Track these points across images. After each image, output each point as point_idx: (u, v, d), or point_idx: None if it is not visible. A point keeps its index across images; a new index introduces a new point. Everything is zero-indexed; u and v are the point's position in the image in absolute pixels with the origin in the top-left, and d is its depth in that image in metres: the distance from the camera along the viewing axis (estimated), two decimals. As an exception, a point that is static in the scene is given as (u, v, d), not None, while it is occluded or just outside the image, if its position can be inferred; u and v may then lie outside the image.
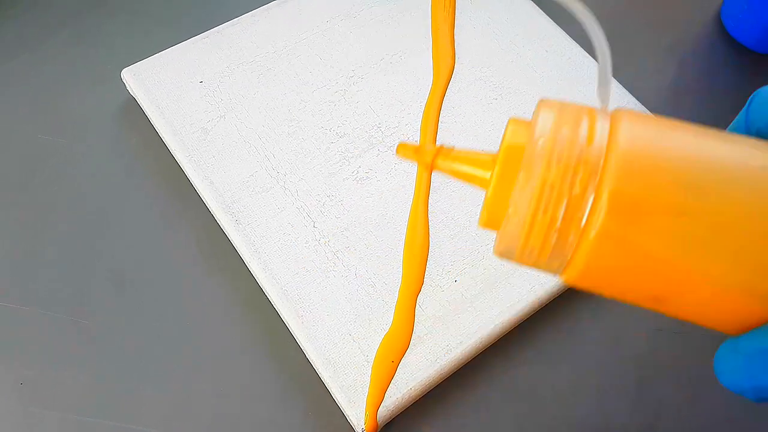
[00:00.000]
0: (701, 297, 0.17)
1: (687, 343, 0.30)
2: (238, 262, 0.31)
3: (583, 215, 0.16)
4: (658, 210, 0.16)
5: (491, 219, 0.18)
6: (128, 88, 0.35)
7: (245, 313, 0.30)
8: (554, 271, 0.18)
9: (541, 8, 0.38)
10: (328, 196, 0.32)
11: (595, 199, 0.16)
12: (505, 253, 0.18)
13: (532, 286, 0.30)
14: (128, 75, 0.35)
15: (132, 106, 0.36)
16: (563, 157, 0.17)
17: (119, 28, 0.39)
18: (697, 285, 0.16)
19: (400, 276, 0.30)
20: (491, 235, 0.31)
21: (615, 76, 0.36)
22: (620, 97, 0.35)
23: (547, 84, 0.35)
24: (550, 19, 0.37)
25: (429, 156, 0.20)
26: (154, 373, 0.29)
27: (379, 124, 0.34)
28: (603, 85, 0.18)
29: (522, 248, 0.18)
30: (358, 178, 0.32)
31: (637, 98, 0.35)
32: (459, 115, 0.34)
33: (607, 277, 0.17)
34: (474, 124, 0.34)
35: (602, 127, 0.17)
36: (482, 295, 0.29)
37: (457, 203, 0.32)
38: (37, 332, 0.30)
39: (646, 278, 0.17)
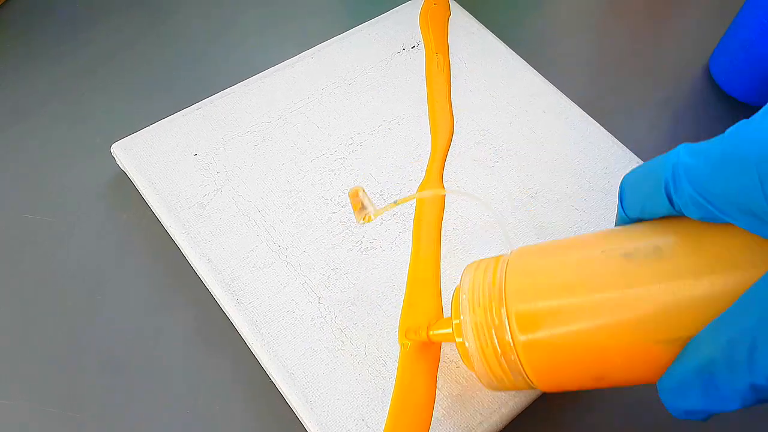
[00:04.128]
0: (620, 364, 0.21)
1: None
2: (240, 344, 0.29)
3: (507, 335, 0.21)
4: (547, 315, 0.21)
5: (468, 364, 0.24)
6: (118, 163, 0.34)
7: (249, 399, 0.29)
8: (529, 387, 0.23)
9: (536, 69, 0.38)
10: (333, 269, 0.30)
11: (508, 323, 0.21)
12: (490, 387, 0.23)
13: (550, 357, 0.28)
14: (118, 149, 0.34)
15: (122, 182, 0.34)
16: (480, 301, 0.22)
17: (107, 101, 0.38)
18: (611, 356, 0.20)
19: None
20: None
21: (612, 131, 0.36)
22: (618, 152, 0.34)
23: (547, 144, 0.35)
24: (546, 80, 0.37)
25: (424, 332, 0.26)
26: (152, 471, 0.27)
27: (381, 192, 0.33)
28: (507, 243, 0.29)
29: (493, 377, 0.23)
30: (362, 249, 0.31)
31: (635, 153, 0.35)
32: (461, 180, 0.33)
33: (556, 374, 0.22)
34: (477, 189, 0.33)
35: (501, 270, 0.23)
36: (500, 369, 0.28)
37: (466, 271, 0.30)
38: (26, 430, 0.27)
39: (577, 364, 0.21)
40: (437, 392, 0.27)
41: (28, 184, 0.35)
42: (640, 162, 0.34)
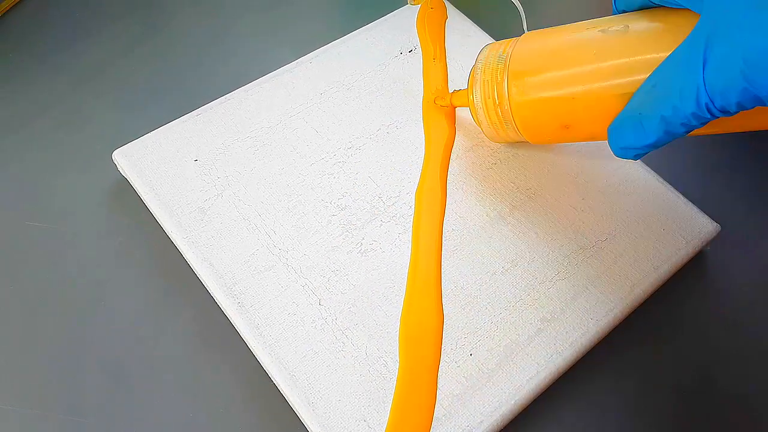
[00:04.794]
0: (586, 115, 0.27)
1: (708, 403, 0.29)
2: (242, 347, 0.30)
3: (505, 91, 0.29)
4: (536, 80, 0.28)
5: (476, 118, 0.32)
6: (120, 170, 0.34)
7: (251, 401, 0.29)
8: (516, 135, 0.31)
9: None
10: (333, 271, 0.31)
11: (508, 80, 0.29)
12: (490, 136, 0.33)
13: (550, 356, 0.29)
14: (120, 156, 0.34)
15: (123, 188, 0.35)
16: (491, 64, 0.30)
17: (108, 108, 0.38)
18: (579, 108, 0.27)
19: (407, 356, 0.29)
20: (504, 303, 0.30)
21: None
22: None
23: (543, 146, 0.35)
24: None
25: (448, 98, 0.35)
26: (156, 474, 0.27)
27: (380, 194, 0.33)
28: (524, 26, 0.35)
29: (490, 125, 0.31)
30: (362, 251, 0.31)
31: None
32: (460, 182, 0.34)
33: (536, 124, 0.29)
34: (475, 191, 0.33)
35: (511, 46, 0.30)
36: (500, 368, 0.28)
37: (467, 272, 0.31)
38: (29, 436, 0.28)
39: (551, 115, 0.28)
40: (438, 392, 0.27)
41: (30, 191, 0.35)
42: (635, 160, 0.35)
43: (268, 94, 0.36)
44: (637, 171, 0.34)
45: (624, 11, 0.28)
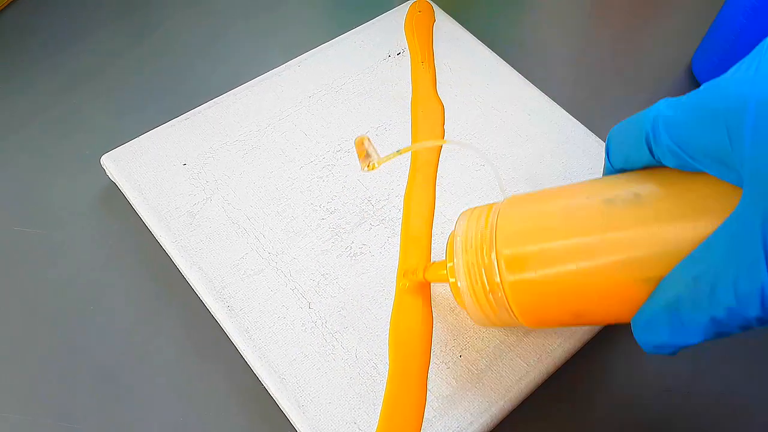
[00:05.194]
0: (598, 302, 0.22)
1: (696, 402, 0.30)
2: (232, 351, 0.30)
3: (496, 275, 0.23)
4: (533, 258, 0.23)
5: (459, 301, 0.26)
6: (108, 174, 0.34)
7: (242, 405, 0.29)
8: (514, 322, 0.25)
9: (521, 73, 0.38)
10: (323, 275, 0.31)
11: (497, 264, 0.23)
12: (479, 322, 0.26)
13: (539, 356, 0.29)
14: (108, 161, 0.34)
15: (112, 193, 0.35)
16: (473, 243, 0.24)
17: (96, 113, 0.38)
18: (590, 295, 0.22)
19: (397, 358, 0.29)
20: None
21: (597, 132, 0.36)
22: (602, 153, 0.35)
23: (532, 147, 0.35)
24: (530, 82, 0.38)
25: (420, 273, 0.29)
26: (146, 479, 0.27)
27: (369, 197, 0.33)
28: (501, 190, 0.29)
29: (482, 312, 0.25)
30: (351, 254, 0.31)
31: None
32: (448, 184, 0.34)
33: (539, 311, 0.24)
34: (464, 192, 0.33)
35: (493, 215, 0.24)
36: (489, 369, 0.28)
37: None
38: (18, 443, 0.28)
39: (558, 302, 0.23)
40: (428, 394, 0.27)
41: (19, 197, 0.35)
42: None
43: (257, 97, 0.37)
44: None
45: (623, 170, 0.24)
